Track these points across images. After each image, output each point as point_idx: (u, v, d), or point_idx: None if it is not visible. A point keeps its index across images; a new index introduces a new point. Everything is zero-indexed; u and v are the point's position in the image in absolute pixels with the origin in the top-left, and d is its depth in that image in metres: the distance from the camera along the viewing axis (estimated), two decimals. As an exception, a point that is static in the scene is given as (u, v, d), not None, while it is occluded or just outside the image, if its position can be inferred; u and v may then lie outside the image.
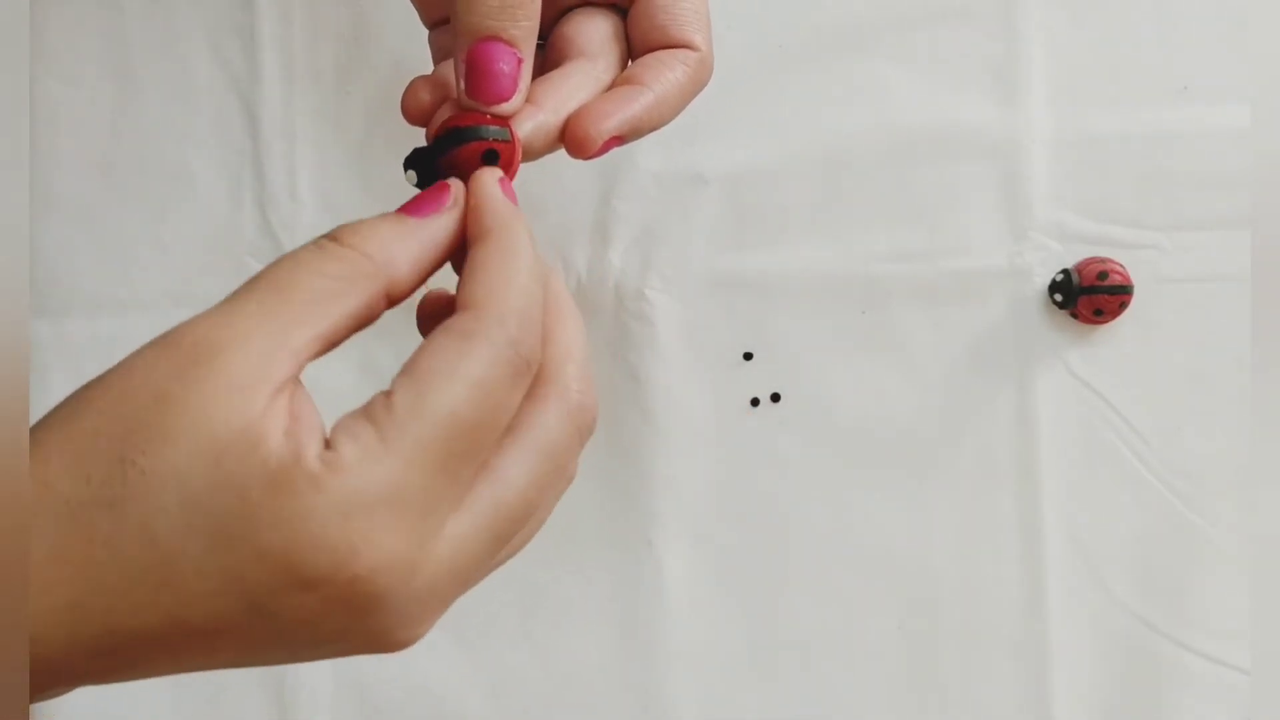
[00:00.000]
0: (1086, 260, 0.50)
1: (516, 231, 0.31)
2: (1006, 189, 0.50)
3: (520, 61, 0.33)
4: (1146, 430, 0.50)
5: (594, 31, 0.37)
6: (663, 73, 0.36)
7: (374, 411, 0.28)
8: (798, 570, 0.51)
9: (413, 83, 0.35)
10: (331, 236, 0.30)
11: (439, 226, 0.31)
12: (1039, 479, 0.50)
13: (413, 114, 0.35)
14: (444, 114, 0.34)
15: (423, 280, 0.31)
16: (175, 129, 0.52)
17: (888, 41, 0.50)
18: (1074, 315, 0.50)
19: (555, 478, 0.31)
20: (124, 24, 0.52)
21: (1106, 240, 0.50)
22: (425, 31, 0.41)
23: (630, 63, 0.38)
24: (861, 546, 0.51)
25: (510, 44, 0.33)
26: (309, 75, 0.51)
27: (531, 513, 0.31)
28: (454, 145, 0.33)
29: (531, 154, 0.34)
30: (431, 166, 0.33)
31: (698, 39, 0.37)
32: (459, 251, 0.32)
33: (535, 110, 0.34)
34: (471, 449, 0.28)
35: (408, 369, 0.29)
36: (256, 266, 0.51)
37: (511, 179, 0.33)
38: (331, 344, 0.29)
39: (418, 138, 0.34)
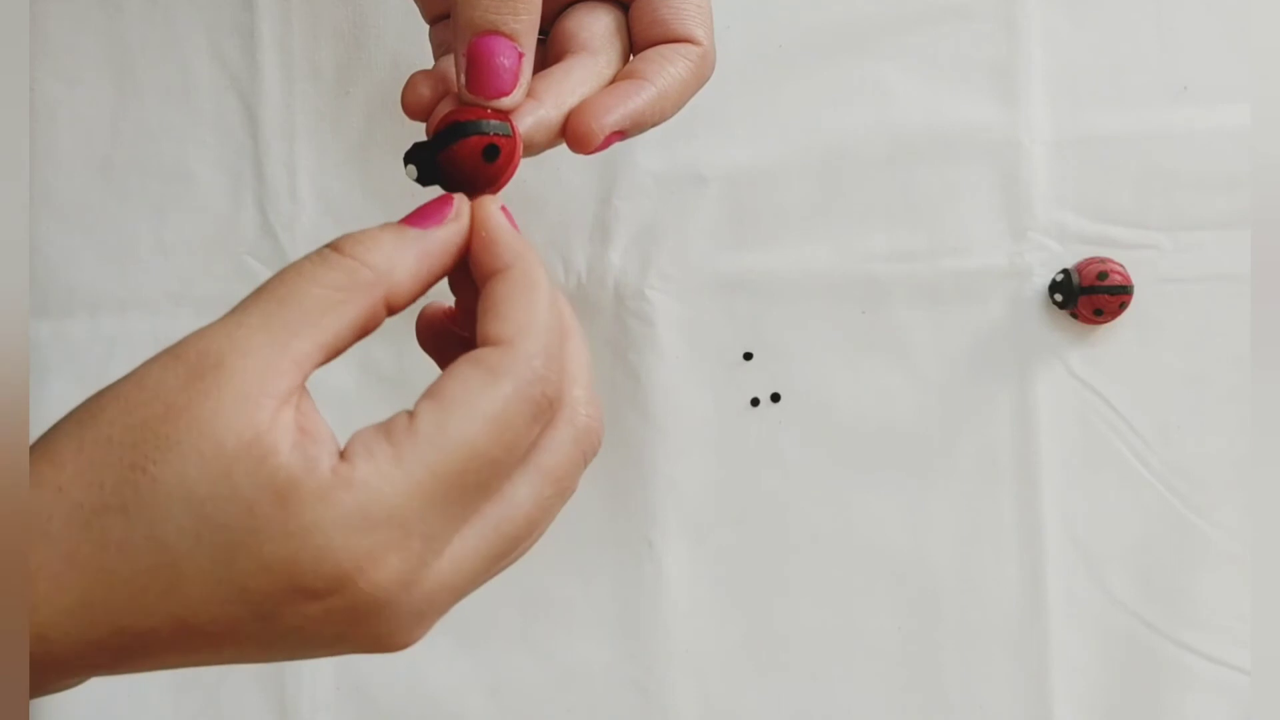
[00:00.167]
0: (1086, 260, 0.50)
1: (533, 263, 0.31)
2: (1006, 189, 0.50)
3: (521, 56, 0.33)
4: (1146, 430, 0.50)
5: (596, 26, 0.37)
6: (664, 67, 0.36)
7: (394, 432, 0.28)
8: (797, 570, 0.51)
9: (413, 77, 0.35)
10: (333, 246, 0.30)
11: (441, 238, 0.31)
12: (1039, 479, 0.50)
13: (413, 109, 0.35)
14: (444, 109, 0.34)
15: (423, 291, 0.31)
16: (175, 129, 0.52)
17: (888, 41, 0.51)
18: (1074, 315, 0.50)
19: (558, 499, 0.32)
20: (124, 24, 0.52)
21: (1106, 240, 0.50)
22: (425, 31, 0.41)
23: (632, 57, 0.38)
24: (861, 546, 0.51)
25: (511, 38, 0.33)
26: (309, 75, 0.51)
27: (533, 530, 0.31)
28: (454, 140, 0.32)
29: (532, 149, 0.34)
30: (432, 161, 0.33)
31: (699, 33, 0.37)
32: (459, 269, 0.32)
33: (536, 105, 0.34)
34: (485, 481, 0.29)
35: (433, 393, 0.29)
36: (256, 266, 0.51)
37: (512, 174, 0.33)
38: (334, 353, 0.30)
39: (418, 136, 0.34)
